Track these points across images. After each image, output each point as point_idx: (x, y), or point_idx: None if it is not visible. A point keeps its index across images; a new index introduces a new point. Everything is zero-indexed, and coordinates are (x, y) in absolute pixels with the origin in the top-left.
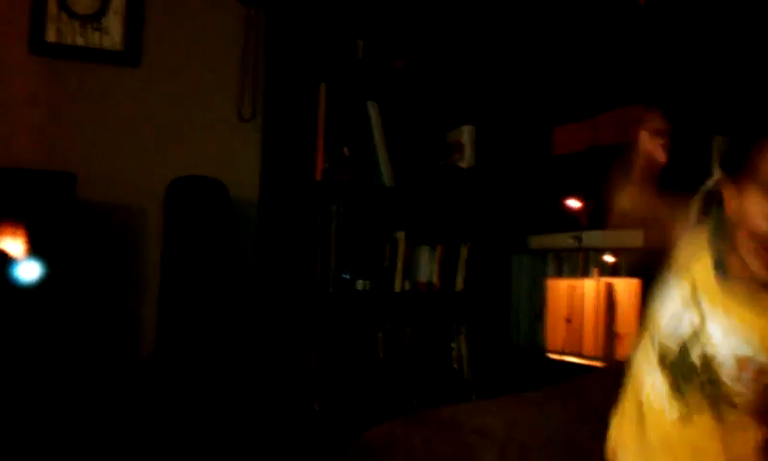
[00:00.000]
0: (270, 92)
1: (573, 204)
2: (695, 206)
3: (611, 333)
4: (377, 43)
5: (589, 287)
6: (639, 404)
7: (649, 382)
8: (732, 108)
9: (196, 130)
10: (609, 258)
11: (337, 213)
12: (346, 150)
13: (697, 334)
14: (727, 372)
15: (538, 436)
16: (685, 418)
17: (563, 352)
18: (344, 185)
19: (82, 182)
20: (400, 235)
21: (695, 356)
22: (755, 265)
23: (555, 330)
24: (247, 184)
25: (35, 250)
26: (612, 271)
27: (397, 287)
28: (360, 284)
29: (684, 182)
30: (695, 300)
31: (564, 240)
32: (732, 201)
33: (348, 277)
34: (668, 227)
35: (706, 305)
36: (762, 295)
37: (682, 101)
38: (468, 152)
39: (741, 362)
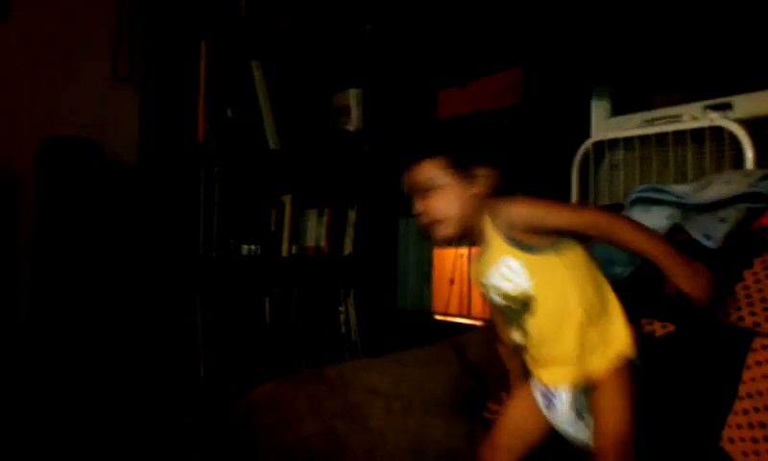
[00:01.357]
0: (148, 49)
1: None
2: None
3: None
4: (261, 1)
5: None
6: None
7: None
8: (607, 69)
9: (69, 88)
10: None
11: (220, 176)
12: (228, 111)
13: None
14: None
15: (422, 391)
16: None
17: (450, 314)
18: (227, 147)
19: None
20: (287, 199)
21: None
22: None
23: (441, 293)
24: (125, 145)
25: None
26: None
27: (284, 252)
28: (246, 249)
29: (565, 140)
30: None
31: None
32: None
33: (233, 242)
34: None
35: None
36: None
37: (561, 64)
38: (354, 115)
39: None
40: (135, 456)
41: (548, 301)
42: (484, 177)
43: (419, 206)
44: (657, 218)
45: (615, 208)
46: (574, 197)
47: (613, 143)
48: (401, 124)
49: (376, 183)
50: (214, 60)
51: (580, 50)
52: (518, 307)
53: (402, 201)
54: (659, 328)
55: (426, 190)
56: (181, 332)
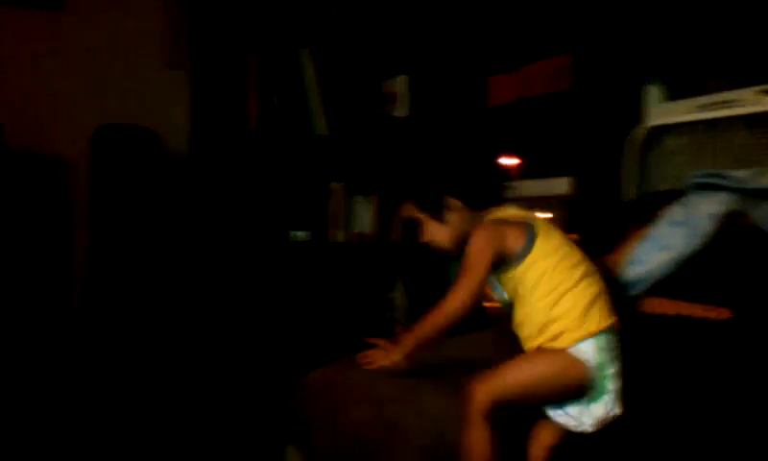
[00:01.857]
0: (200, 38)
1: (507, 155)
2: None
3: None
4: None
5: None
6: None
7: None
8: (660, 55)
9: (122, 76)
10: (542, 215)
11: (271, 162)
12: (278, 98)
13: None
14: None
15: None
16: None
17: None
18: (277, 134)
19: (8, 131)
20: (336, 186)
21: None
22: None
23: None
24: (177, 132)
25: None
26: None
27: (335, 238)
28: (297, 235)
29: (617, 126)
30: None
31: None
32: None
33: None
34: None
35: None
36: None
37: (612, 49)
38: (403, 101)
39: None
40: (192, 438)
41: (516, 306)
42: (451, 204)
43: (420, 236)
44: (715, 203)
45: (671, 195)
46: (627, 183)
47: (667, 129)
48: (450, 110)
49: (426, 171)
50: (264, 47)
51: (632, 35)
52: (509, 306)
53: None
54: (715, 314)
55: (419, 225)
56: (236, 316)
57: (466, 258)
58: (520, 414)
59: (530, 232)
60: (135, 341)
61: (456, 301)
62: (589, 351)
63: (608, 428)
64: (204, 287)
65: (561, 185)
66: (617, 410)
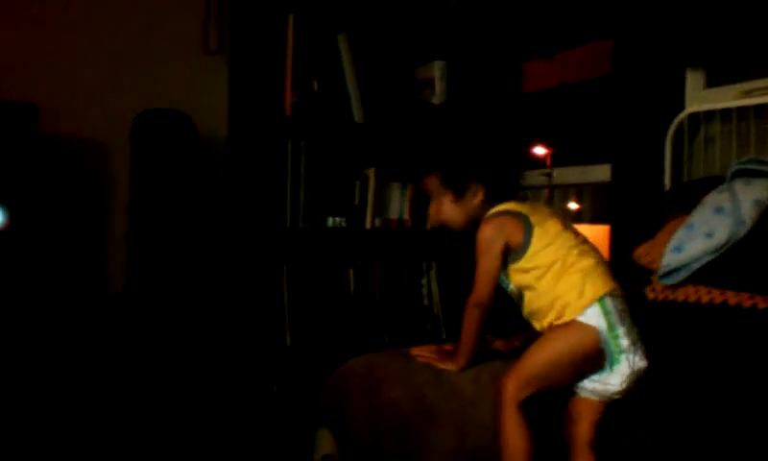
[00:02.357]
0: (237, 24)
1: (542, 142)
2: None
3: None
4: None
5: None
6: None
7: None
8: (702, 41)
9: (161, 62)
10: (573, 205)
11: (307, 148)
12: (315, 84)
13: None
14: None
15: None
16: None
17: None
18: (313, 120)
19: (44, 116)
20: (371, 172)
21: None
22: None
23: None
24: (214, 118)
25: None
26: (577, 218)
27: (368, 224)
28: (331, 221)
29: (658, 113)
30: None
31: (535, 178)
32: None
33: (318, 214)
34: None
35: None
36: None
37: (653, 34)
38: (438, 88)
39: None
40: (225, 421)
41: (525, 296)
42: (475, 190)
43: (430, 208)
44: (758, 191)
45: (712, 182)
46: (667, 170)
47: (709, 115)
48: (486, 97)
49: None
50: (301, 33)
51: (674, 20)
52: (518, 297)
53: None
54: (760, 302)
55: (433, 197)
56: (269, 302)
57: (477, 248)
58: (557, 398)
59: (527, 225)
60: (175, 324)
61: (477, 292)
62: (596, 315)
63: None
64: (240, 272)
65: (598, 173)
66: (641, 363)
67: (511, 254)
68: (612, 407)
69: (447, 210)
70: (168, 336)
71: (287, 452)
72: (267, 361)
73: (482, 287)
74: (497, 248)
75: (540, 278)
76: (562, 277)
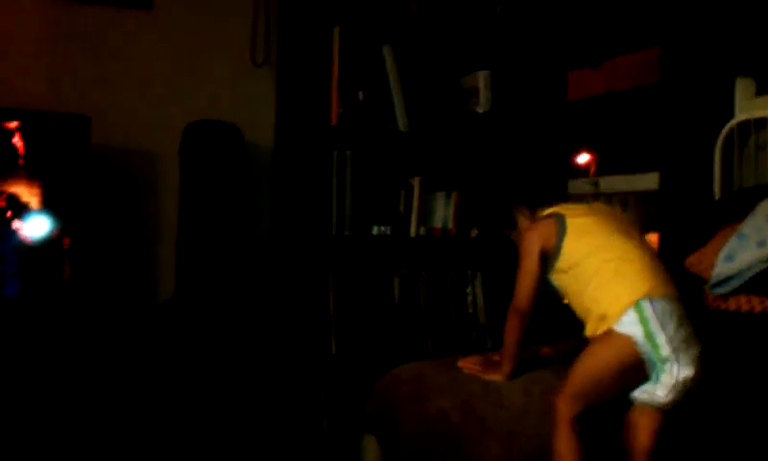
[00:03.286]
0: (283, 36)
1: (587, 150)
2: None
3: None
4: None
5: None
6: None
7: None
8: (752, 49)
9: (210, 74)
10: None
11: (352, 158)
12: (360, 94)
13: None
14: None
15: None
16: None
17: None
18: (359, 130)
19: (96, 127)
20: (416, 180)
21: None
22: None
23: None
24: (261, 129)
25: (49, 195)
26: None
27: (413, 233)
28: (376, 230)
29: (707, 121)
30: None
31: (581, 186)
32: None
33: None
34: None
35: None
36: None
37: (702, 42)
38: (483, 97)
39: None
40: (272, 428)
41: (569, 300)
42: (520, 215)
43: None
44: None
45: (763, 191)
46: (717, 179)
47: (760, 123)
48: (530, 105)
49: (505, 166)
50: (347, 44)
51: (723, 27)
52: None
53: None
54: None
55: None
56: (315, 310)
57: (520, 254)
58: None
59: (561, 226)
60: (223, 330)
61: (519, 294)
62: (632, 323)
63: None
64: (286, 280)
65: (645, 181)
66: (686, 372)
67: (549, 257)
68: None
69: (520, 242)
70: (216, 342)
71: (333, 460)
72: (313, 369)
73: (521, 293)
74: (534, 253)
75: (576, 280)
76: (599, 281)
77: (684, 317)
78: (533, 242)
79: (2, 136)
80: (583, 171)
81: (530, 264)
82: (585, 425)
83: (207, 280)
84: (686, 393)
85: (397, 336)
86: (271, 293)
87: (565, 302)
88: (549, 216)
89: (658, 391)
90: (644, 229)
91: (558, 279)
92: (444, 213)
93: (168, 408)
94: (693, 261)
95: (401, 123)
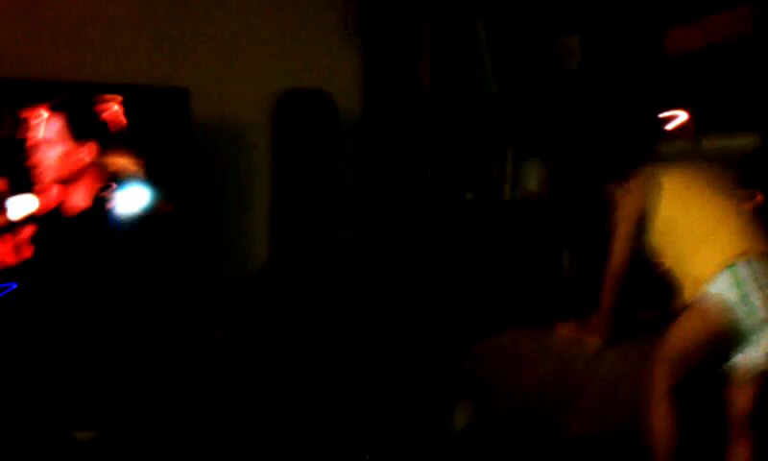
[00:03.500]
0: (374, 5)
1: (683, 108)
2: None
3: None
4: None
5: None
6: None
7: None
8: None
9: (301, 43)
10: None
11: (445, 122)
12: (449, 58)
13: None
14: None
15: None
16: None
17: None
18: (450, 93)
19: (193, 99)
20: (508, 146)
21: None
22: None
23: None
24: (351, 95)
25: (150, 166)
26: None
27: (506, 197)
28: (470, 195)
29: None
30: None
31: (682, 146)
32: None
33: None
34: None
35: None
36: None
37: None
38: (574, 56)
39: None
40: (371, 390)
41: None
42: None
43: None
44: None
45: None
46: None
47: None
48: (625, 64)
49: (599, 130)
50: (438, 9)
51: None
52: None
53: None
54: None
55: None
56: (410, 274)
57: (617, 217)
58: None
59: (657, 188)
60: (316, 292)
61: (615, 256)
62: (727, 284)
63: None
64: (380, 247)
65: (744, 141)
66: None
67: (647, 218)
68: None
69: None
70: (310, 304)
71: (429, 421)
72: (408, 332)
73: (616, 255)
74: (631, 216)
75: (675, 242)
76: (695, 242)
77: None
78: (629, 205)
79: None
80: (681, 131)
81: (626, 227)
82: (682, 397)
83: (301, 245)
84: None
85: (493, 300)
86: (364, 258)
87: (665, 267)
88: (645, 177)
89: (755, 353)
90: (745, 188)
91: (657, 241)
92: (535, 178)
93: (268, 372)
94: None
95: (491, 83)
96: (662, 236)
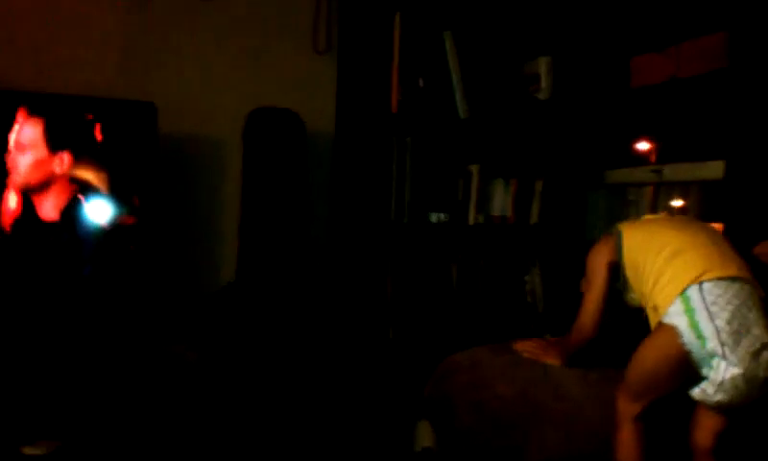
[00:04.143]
0: (344, 23)
1: (649, 137)
2: None
3: None
4: None
5: None
6: None
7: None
8: None
9: (272, 61)
10: (677, 202)
11: (412, 145)
12: (420, 81)
13: None
14: None
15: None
16: None
17: None
18: (419, 117)
19: (162, 114)
20: (474, 168)
21: None
22: None
23: None
24: (322, 116)
25: (116, 180)
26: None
27: (471, 220)
28: (434, 217)
29: None
30: None
31: (644, 174)
32: None
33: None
34: None
35: None
36: None
37: None
38: (544, 83)
39: None
40: (329, 411)
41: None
42: None
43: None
44: None
45: None
46: None
47: None
48: (593, 92)
49: (566, 154)
50: (407, 31)
51: None
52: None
53: (592, 170)
54: None
55: None
56: (374, 296)
57: (587, 271)
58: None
59: (618, 240)
60: (282, 312)
61: (587, 311)
62: (678, 313)
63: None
64: (342, 264)
65: (709, 169)
66: (733, 370)
67: (617, 271)
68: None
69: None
70: (275, 324)
71: (388, 443)
72: (370, 354)
73: (591, 303)
74: (602, 268)
75: (642, 286)
76: (655, 278)
77: (754, 302)
78: (598, 258)
79: (77, 124)
80: (644, 158)
81: (600, 279)
82: (649, 422)
83: (268, 264)
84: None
85: (455, 323)
86: (330, 277)
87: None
88: (609, 233)
89: (708, 388)
90: (704, 218)
91: (630, 295)
92: (502, 201)
93: (226, 390)
94: (759, 252)
95: (461, 110)
96: (633, 282)
